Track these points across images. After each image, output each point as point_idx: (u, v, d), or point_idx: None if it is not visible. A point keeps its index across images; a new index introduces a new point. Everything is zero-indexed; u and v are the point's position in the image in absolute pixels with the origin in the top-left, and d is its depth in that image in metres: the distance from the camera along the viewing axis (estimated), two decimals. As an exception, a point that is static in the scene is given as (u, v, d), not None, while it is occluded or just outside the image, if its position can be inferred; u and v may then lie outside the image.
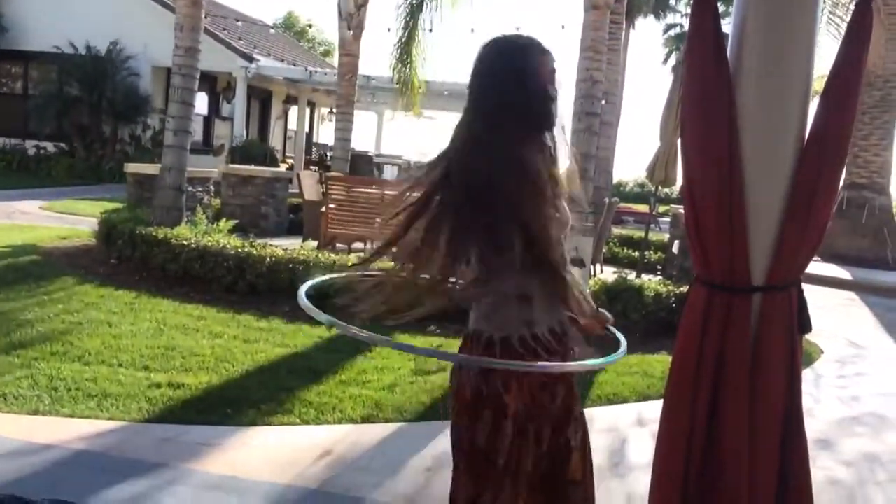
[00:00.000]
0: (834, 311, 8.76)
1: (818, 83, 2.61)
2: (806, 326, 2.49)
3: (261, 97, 22.60)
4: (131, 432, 3.66)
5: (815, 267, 12.42)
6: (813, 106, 2.50)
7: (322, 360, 4.93)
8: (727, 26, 2.56)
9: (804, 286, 2.57)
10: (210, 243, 6.96)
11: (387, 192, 9.02)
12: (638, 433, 4.08)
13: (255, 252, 6.76)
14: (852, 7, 2.52)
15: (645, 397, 4.69)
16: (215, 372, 4.53)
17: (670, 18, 33.28)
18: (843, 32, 2.53)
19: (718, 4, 2.55)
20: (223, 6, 23.45)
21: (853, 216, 13.87)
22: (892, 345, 7.32)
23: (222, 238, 7.37)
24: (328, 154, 19.69)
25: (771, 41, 2.44)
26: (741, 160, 2.41)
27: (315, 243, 8.89)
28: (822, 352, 6.36)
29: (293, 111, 24.58)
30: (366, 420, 4.01)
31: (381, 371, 4.80)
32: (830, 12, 11.16)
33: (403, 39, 12.19)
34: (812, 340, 6.34)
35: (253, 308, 6.14)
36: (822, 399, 5.18)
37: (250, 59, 19.29)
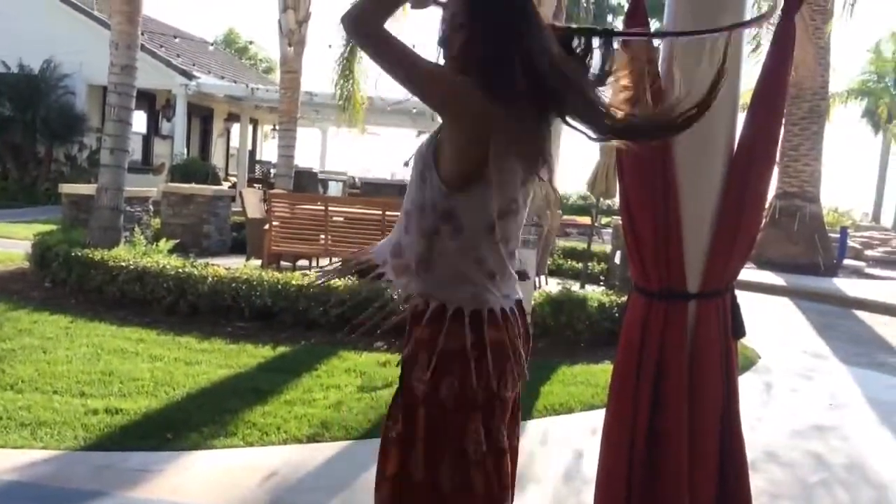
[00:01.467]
0: (769, 317, 9.02)
1: (745, 95, 2.70)
2: (740, 331, 2.57)
3: (201, 115, 22.29)
4: (67, 461, 3.54)
5: (750, 274, 12.88)
6: (741, 118, 2.59)
7: (266, 381, 4.85)
8: (655, 43, 2.64)
9: (739, 292, 2.65)
10: (149, 264, 6.81)
11: (331, 207, 8.98)
12: (584, 442, 4.12)
13: (196, 272, 6.63)
14: (776, 22, 2.62)
15: (590, 406, 4.74)
16: (155, 396, 4.42)
17: (608, 35, 33.92)
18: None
19: (649, 19, 2.62)
20: (161, 23, 23.09)
21: (785, 224, 14.33)
22: (825, 347, 7.56)
23: (162, 258, 7.22)
24: (272, 171, 19.49)
25: (697, 55, 2.51)
26: (674, 172, 2.47)
27: (259, 262, 8.78)
28: (760, 356, 6.53)
29: (235, 128, 24.29)
30: (312, 440, 3.96)
31: (328, 389, 4.75)
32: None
33: (345, 55, 12.18)
34: (749, 345, 6.51)
35: (194, 329, 6.02)
36: (760, 403, 5.31)
37: (190, 77, 19.02)
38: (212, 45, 28.17)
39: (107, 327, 5.93)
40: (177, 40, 22.28)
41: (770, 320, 8.73)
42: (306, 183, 17.26)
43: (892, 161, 37.75)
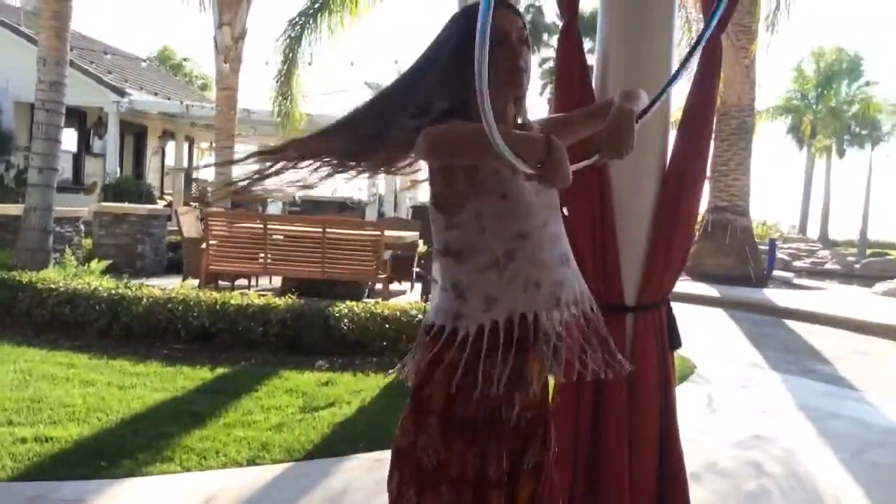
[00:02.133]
0: (704, 327, 9.25)
1: (675, 113, 2.79)
2: (675, 343, 2.63)
3: (135, 132, 21.76)
4: (-7, 493, 3.39)
5: (685, 286, 13.17)
6: (672, 135, 2.67)
7: (204, 403, 4.74)
8: (590, 57, 2.71)
9: (675, 304, 2.72)
10: (80, 286, 6.60)
11: (270, 225, 8.87)
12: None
13: (130, 293, 6.46)
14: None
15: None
16: (87, 423, 4.27)
17: (544, 52, 34.63)
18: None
19: (583, 38, 2.69)
20: (91, 39, 22.53)
21: (718, 237, 14.76)
22: (757, 356, 7.79)
23: (94, 280, 7.01)
24: (209, 190, 19.13)
25: (632, 71, 2.59)
26: (609, 188, 2.53)
27: (196, 282, 8.60)
28: (696, 367, 6.69)
29: (171, 146, 23.80)
30: (252, 462, 3.88)
31: (268, 411, 4.66)
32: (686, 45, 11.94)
33: (283, 72, 12.10)
34: (685, 356, 6.66)
35: (129, 352, 5.85)
36: (698, 413, 5.43)
37: (122, 94, 18.58)
38: (145, 61, 27.59)
39: (36, 352, 5.72)
40: (108, 56, 21.76)
41: (705, 331, 8.95)
42: (245, 201, 17.02)
43: (815, 175, 39.38)
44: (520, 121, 1.78)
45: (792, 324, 10.30)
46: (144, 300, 6.35)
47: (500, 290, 1.63)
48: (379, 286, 8.99)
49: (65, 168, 16.74)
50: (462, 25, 1.66)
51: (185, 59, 38.98)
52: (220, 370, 5.55)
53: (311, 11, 11.44)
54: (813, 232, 37.60)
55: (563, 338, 1.68)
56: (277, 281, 9.57)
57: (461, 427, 1.65)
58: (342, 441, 4.17)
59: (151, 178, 21.86)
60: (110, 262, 8.64)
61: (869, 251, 27.09)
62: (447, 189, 1.65)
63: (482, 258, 1.64)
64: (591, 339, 1.75)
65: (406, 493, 1.68)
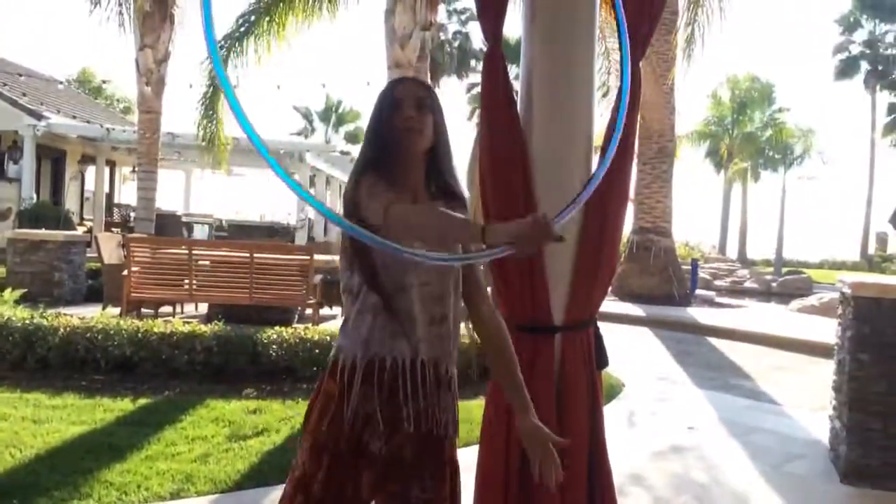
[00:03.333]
0: (631, 346, 9.45)
1: (598, 138, 2.86)
2: (603, 362, 2.67)
3: (53, 156, 21.01)
4: None
5: (612, 305, 13.42)
6: (595, 159, 2.73)
7: (125, 436, 4.56)
8: (516, 83, 2.76)
9: (601, 323, 2.77)
10: (-8, 316, 6.30)
11: (195, 251, 8.67)
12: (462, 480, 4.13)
13: (45, 323, 6.19)
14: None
15: (466, 444, 4.76)
16: (-1, 459, 4.06)
17: (472, 78, 35.15)
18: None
19: (507, 64, 2.73)
20: (5, 61, 21.75)
21: (642, 258, 15.14)
22: (682, 373, 7.99)
23: (7, 310, 6.69)
24: (132, 215, 18.62)
25: (556, 96, 2.65)
26: (536, 207, 2.57)
27: (117, 310, 8.31)
28: (624, 384, 6.81)
29: (91, 171, 23.06)
30: (175, 496, 3.74)
31: (193, 441, 4.52)
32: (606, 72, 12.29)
33: (208, 95, 11.91)
34: (613, 374, 6.78)
35: (44, 385, 5.60)
36: (626, 430, 5.52)
37: (39, 117, 17.95)
38: (62, 83, 26.75)
39: (-58, 387, 5.42)
40: (23, 78, 21.01)
41: (631, 349, 9.14)
42: (169, 226, 16.61)
43: (733, 197, 40.89)
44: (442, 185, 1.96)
45: (714, 341, 10.61)
46: (61, 330, 6.10)
47: (372, 334, 1.84)
48: (309, 311, 8.87)
49: (-24, 193, 16.05)
50: (373, 111, 1.97)
51: (105, 82, 37.92)
52: (142, 401, 5.37)
53: (237, 35, 11.32)
54: (732, 252, 38.97)
55: (418, 390, 1.85)
56: (203, 307, 9.33)
57: (323, 450, 1.83)
58: (272, 470, 4.07)
59: (70, 203, 21.11)
60: (25, 290, 8.28)
61: (785, 270, 28.21)
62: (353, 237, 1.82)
63: (366, 302, 1.85)
64: (443, 397, 1.90)
65: (289, 499, 1.88)
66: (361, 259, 1.84)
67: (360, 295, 1.85)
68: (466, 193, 2.03)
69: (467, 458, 3.97)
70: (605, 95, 11.57)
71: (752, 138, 37.65)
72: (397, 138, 1.89)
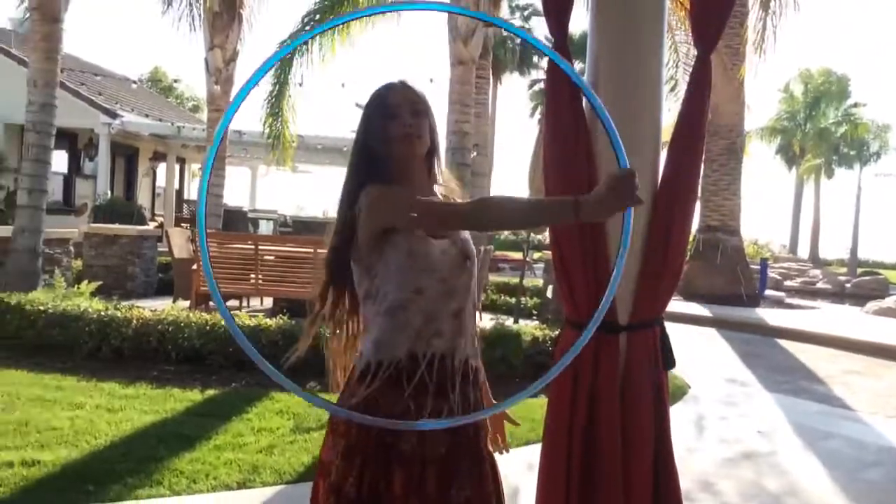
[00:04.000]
0: (697, 347, 9.25)
1: (666, 133, 2.80)
2: (669, 362, 2.62)
3: (126, 154, 21.75)
4: (-22, 519, 3.33)
5: (678, 305, 13.18)
6: (663, 155, 2.68)
7: (194, 426, 4.69)
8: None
9: (667, 324, 2.71)
10: (70, 307, 6.56)
11: (261, 246, 8.85)
12: (522, 478, 4.11)
13: (119, 315, 6.42)
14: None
15: (527, 442, 4.74)
16: (75, 446, 4.22)
17: (534, 75, 34.95)
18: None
19: (572, 59, 2.70)
20: (82, 61, 22.57)
21: (709, 257, 14.80)
22: (751, 375, 7.79)
23: (83, 301, 6.96)
24: (200, 211, 19.08)
25: (621, 92, 2.60)
26: (601, 205, 2.52)
27: (187, 303, 8.55)
28: (690, 386, 6.67)
29: (162, 168, 23.79)
30: (242, 486, 3.83)
31: (259, 433, 4.62)
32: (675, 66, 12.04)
33: (274, 93, 12.12)
34: (678, 375, 6.65)
35: (118, 374, 5.80)
36: (691, 432, 5.41)
37: (113, 115, 18.59)
38: (135, 83, 27.65)
39: (23, 374, 5.67)
40: (99, 78, 21.80)
41: (697, 350, 8.95)
42: (236, 222, 17.00)
43: (805, 195, 39.64)
44: (441, 180, 2.01)
45: (784, 343, 10.31)
46: (134, 322, 6.30)
47: (394, 335, 1.85)
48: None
49: (55, 190, 16.73)
50: (363, 117, 1.99)
51: (176, 81, 39.08)
52: (210, 392, 5.51)
53: (302, 33, 11.50)
54: (803, 252, 37.79)
55: (445, 386, 1.86)
56: (269, 302, 9.53)
57: (353, 449, 1.84)
58: (334, 463, 4.12)
59: (142, 198, 21.81)
60: (100, 283, 8.57)
61: (860, 270, 27.21)
62: (373, 240, 1.85)
63: (383, 304, 1.86)
64: (471, 392, 1.92)
65: (322, 500, 1.90)
66: (379, 266, 1.86)
67: (378, 297, 1.87)
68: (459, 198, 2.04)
69: (529, 457, 3.95)
70: (672, 90, 11.35)
71: (826, 134, 36.43)
72: (396, 147, 1.90)
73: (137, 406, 5.05)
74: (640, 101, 2.63)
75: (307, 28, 11.39)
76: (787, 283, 21.47)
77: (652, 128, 2.65)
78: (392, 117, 1.91)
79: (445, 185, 2.03)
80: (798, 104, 37.91)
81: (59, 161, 17.82)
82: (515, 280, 11.48)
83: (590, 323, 1.87)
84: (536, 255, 16.54)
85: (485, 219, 1.82)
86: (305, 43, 11.42)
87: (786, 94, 38.43)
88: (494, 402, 2.08)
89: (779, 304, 15.55)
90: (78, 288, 7.87)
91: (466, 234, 1.97)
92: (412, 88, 1.99)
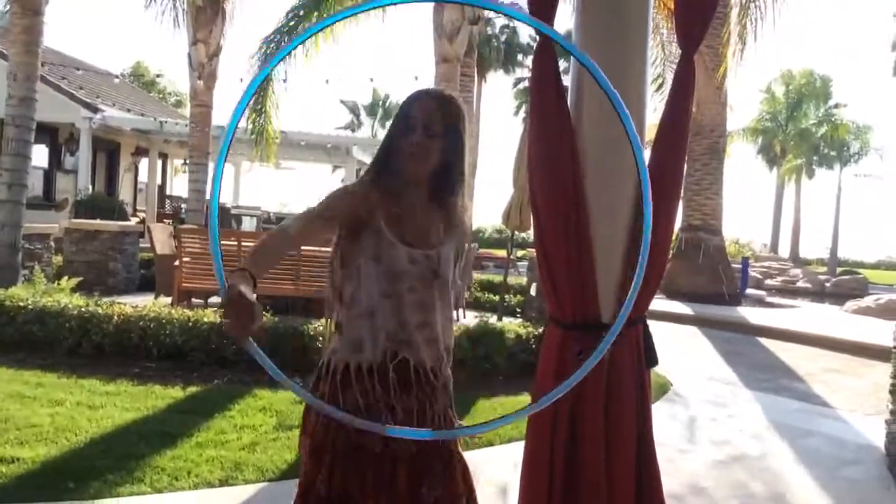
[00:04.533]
0: (679, 345, 9.31)
1: (650, 132, 2.81)
2: (652, 360, 2.63)
3: (108, 149, 21.55)
4: (-44, 517, 3.29)
5: (660, 304, 13.27)
6: (647, 154, 2.69)
7: (176, 423, 4.66)
8: (566, 78, 2.72)
9: (650, 322, 2.73)
10: (50, 304, 6.49)
11: (244, 242, 8.80)
12: (506, 476, 4.12)
13: (100, 311, 6.35)
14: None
15: (510, 439, 4.75)
16: (55, 443, 4.18)
17: (519, 73, 35.00)
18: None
19: (558, 58, 2.70)
20: (63, 55, 22.31)
21: (691, 256, 14.90)
22: (732, 374, 7.85)
23: (64, 297, 6.89)
24: (183, 207, 18.99)
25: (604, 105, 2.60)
26: (585, 206, 2.54)
27: (169, 299, 8.49)
28: (672, 384, 6.72)
29: (144, 163, 23.59)
30: (224, 483, 3.81)
31: (241, 430, 4.60)
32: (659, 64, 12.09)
33: (258, 89, 12.05)
34: (661, 373, 6.69)
35: (99, 371, 5.75)
36: (673, 429, 5.44)
37: (95, 110, 18.40)
38: (118, 77, 27.40)
39: (3, 371, 5.60)
40: (80, 72, 21.56)
41: (680, 348, 9.01)
42: (219, 218, 16.89)
43: (786, 195, 39.99)
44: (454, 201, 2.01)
45: (765, 341, 10.40)
46: (115, 318, 6.25)
47: (364, 338, 1.88)
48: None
49: (35, 185, 16.52)
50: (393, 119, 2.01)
51: (158, 76, 38.73)
52: (192, 389, 5.47)
53: (285, 29, 11.44)
54: (784, 251, 38.14)
55: (411, 390, 1.89)
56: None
57: (323, 450, 1.86)
58: (317, 461, 4.11)
59: (124, 194, 21.62)
60: (81, 279, 8.50)
61: (839, 270, 27.49)
62: (346, 245, 1.92)
63: (357, 308, 1.89)
64: (438, 398, 1.95)
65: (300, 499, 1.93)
66: (352, 268, 1.91)
67: (351, 301, 1.90)
68: (468, 215, 2.10)
69: (513, 455, 3.96)
70: (659, 89, 11.40)
71: (807, 135, 36.75)
72: (401, 161, 1.93)
73: (118, 403, 5.00)
74: (625, 99, 2.64)
75: (291, 23, 11.34)
76: (768, 281, 21.68)
77: (636, 126, 2.66)
78: (406, 130, 1.92)
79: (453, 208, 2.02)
80: (779, 105, 38.22)
81: (40, 156, 17.61)
82: (499, 278, 11.50)
83: (614, 325, 1.90)
84: (520, 252, 16.60)
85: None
86: (289, 38, 11.37)
87: (767, 94, 38.73)
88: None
89: (760, 302, 15.69)
90: (58, 284, 7.80)
91: (447, 252, 1.98)
92: (444, 102, 1.96)
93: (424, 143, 1.90)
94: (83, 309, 6.37)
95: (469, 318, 8.29)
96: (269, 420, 4.81)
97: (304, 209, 1.92)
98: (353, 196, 1.91)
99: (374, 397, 1.85)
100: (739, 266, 17.13)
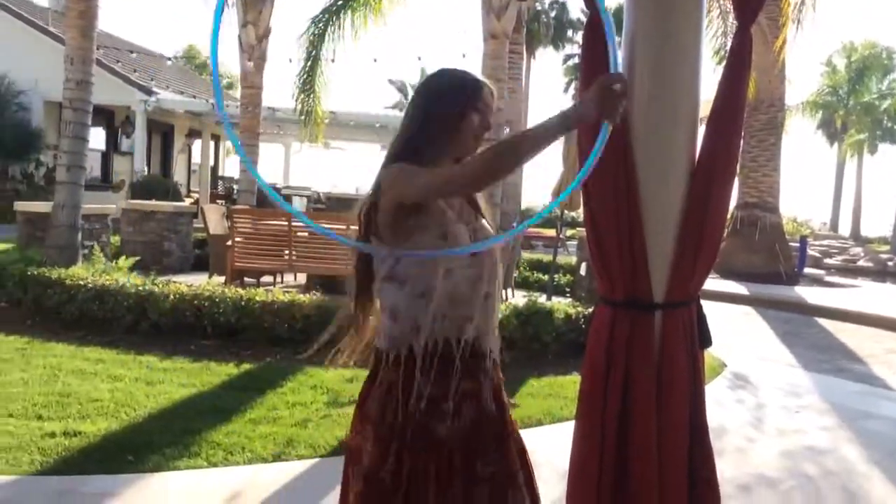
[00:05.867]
0: (733, 325, 9.13)
1: (704, 108, 2.73)
2: (706, 341, 2.57)
3: (162, 131, 22.00)
4: (24, 486, 3.42)
5: (715, 283, 13.05)
6: (701, 130, 2.61)
7: (230, 399, 4.76)
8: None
9: (704, 302, 2.66)
10: (108, 282, 6.67)
11: (295, 222, 8.90)
12: (555, 456, 4.11)
13: (157, 290, 6.51)
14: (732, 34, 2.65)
15: (559, 419, 4.74)
16: (115, 417, 4.31)
17: (569, 49, 34.49)
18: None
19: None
20: (116, 38, 22.79)
21: (747, 234, 14.56)
22: (788, 354, 7.67)
23: (122, 276, 7.07)
24: (234, 187, 19.30)
25: (659, 67, 2.53)
26: (637, 183, 2.48)
27: (222, 278, 8.66)
28: (725, 365, 6.60)
29: (197, 145, 24.02)
30: (277, 458, 3.89)
31: (293, 407, 4.68)
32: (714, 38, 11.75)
33: (306, 70, 12.12)
34: (714, 354, 6.57)
35: (156, 348, 5.90)
36: (727, 412, 5.35)
37: (149, 92, 18.78)
38: (170, 59, 27.87)
39: (64, 347, 5.79)
40: (134, 55, 22.00)
41: (734, 329, 8.83)
42: (270, 199, 17.11)
43: (847, 171, 38.73)
44: None
45: (824, 322, 10.13)
46: (171, 297, 6.40)
47: (426, 319, 1.83)
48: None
49: (93, 166, 16.99)
50: (421, 99, 1.96)
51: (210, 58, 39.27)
52: (245, 366, 5.58)
53: (333, 9, 11.45)
54: (844, 229, 37.00)
55: (477, 368, 1.90)
56: (302, 278, 9.60)
57: (390, 440, 1.83)
58: (367, 438, 4.16)
59: (178, 175, 22.06)
60: (138, 258, 8.71)
61: (902, 248, 26.58)
62: (396, 223, 1.83)
63: (416, 287, 1.84)
64: (493, 374, 1.95)
65: (351, 487, 1.91)
66: (405, 245, 1.84)
67: (408, 281, 1.85)
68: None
69: (562, 435, 3.94)
70: (721, 62, 11.09)
71: (870, 109, 35.46)
72: (465, 141, 1.91)
73: (175, 379, 5.13)
74: (677, 72, 2.57)
75: (339, 3, 11.34)
76: (827, 260, 21.07)
77: (690, 102, 2.58)
78: (482, 113, 1.92)
79: None
80: (841, 78, 36.91)
81: (97, 138, 18.07)
82: (548, 257, 11.42)
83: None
84: (570, 231, 16.44)
85: (498, 162, 1.74)
86: (337, 17, 11.39)
87: (828, 67, 37.44)
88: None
89: (818, 282, 15.27)
90: (116, 263, 8.00)
91: (489, 227, 1.98)
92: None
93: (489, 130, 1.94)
94: (140, 288, 6.54)
95: (518, 298, 8.26)
96: (321, 397, 4.88)
97: (416, 176, 1.79)
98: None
99: (436, 379, 1.83)
100: (797, 245, 16.67)
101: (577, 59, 32.44)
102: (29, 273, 7.01)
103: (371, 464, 1.84)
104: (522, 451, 1.99)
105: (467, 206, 1.97)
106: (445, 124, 1.89)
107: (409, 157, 1.85)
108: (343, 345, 2.09)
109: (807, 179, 68.39)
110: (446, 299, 1.84)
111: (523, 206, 21.73)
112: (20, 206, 10.13)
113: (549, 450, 4.20)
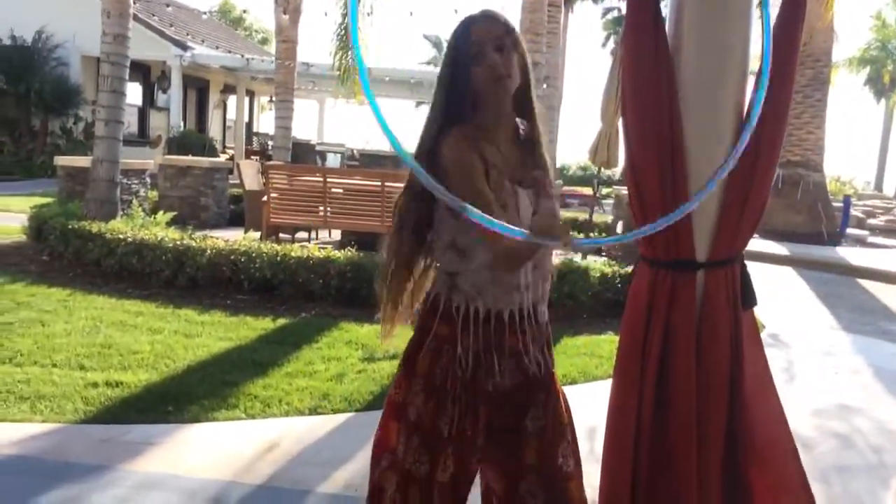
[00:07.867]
0: (773, 286, 8.98)
1: (754, 62, 2.62)
2: (750, 301, 2.52)
3: (197, 86, 22.06)
4: (68, 434, 3.52)
5: (754, 243, 12.77)
6: (750, 84, 2.52)
7: (267, 353, 4.82)
8: (664, 7, 2.56)
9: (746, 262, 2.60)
10: (147, 237, 6.76)
11: (330, 179, 8.90)
12: (590, 415, 4.10)
13: (194, 244, 6.58)
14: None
15: (594, 378, 4.72)
16: (155, 369, 4.40)
17: (608, 2, 33.60)
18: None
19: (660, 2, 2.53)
20: (153, -8, 22.73)
21: (789, 193, 14.24)
22: (829, 316, 7.54)
23: (160, 231, 7.16)
24: (269, 143, 19.35)
25: (707, 20, 2.44)
26: (682, 139, 2.41)
27: (257, 234, 8.72)
28: (765, 326, 6.50)
29: (232, 100, 24.06)
30: (313, 411, 3.94)
31: (329, 361, 4.72)
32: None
33: (344, 25, 12.01)
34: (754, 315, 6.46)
35: (194, 302, 5.99)
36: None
37: (184, 47, 18.79)
38: (206, 14, 27.81)
39: (105, 300, 5.90)
40: (169, 9, 21.97)
41: (774, 289, 8.69)
42: (304, 155, 17.14)
43: (894, 129, 37.56)
44: (522, 131, 1.93)
45: (866, 283, 9.93)
46: (208, 251, 6.46)
47: (487, 288, 1.83)
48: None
49: (130, 122, 17.13)
50: (448, 55, 1.89)
51: (244, 12, 39.14)
52: (281, 321, 5.64)
53: (370, -39, 11.28)
54: (889, 189, 36.04)
55: (527, 332, 1.89)
56: (337, 234, 9.64)
57: (441, 391, 1.83)
58: (401, 393, 4.19)
59: (214, 131, 22.17)
60: (175, 213, 8.81)
61: (949, 209, 25.82)
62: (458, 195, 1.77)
63: (478, 259, 1.82)
64: (543, 336, 1.96)
65: (395, 441, 1.91)
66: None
67: (469, 253, 1.83)
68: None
69: (597, 394, 3.92)
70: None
71: (920, 63, 34.20)
72: (485, 89, 1.81)
73: (213, 332, 5.21)
74: (728, 26, 2.47)
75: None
76: (871, 221, 20.54)
77: (739, 56, 2.48)
78: (477, 57, 1.80)
79: (539, 118, 1.95)
80: (890, 32, 35.55)
81: (134, 93, 18.20)
82: (584, 215, 11.30)
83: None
84: (606, 190, 16.24)
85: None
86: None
87: (878, 21, 36.06)
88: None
89: (861, 242, 14.94)
90: (154, 218, 8.10)
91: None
92: (496, 19, 1.86)
93: (503, 60, 1.80)
94: (178, 242, 6.61)
95: (553, 256, 8.19)
96: (355, 353, 4.92)
97: (462, 180, 1.73)
98: (472, 148, 1.78)
99: (488, 340, 1.84)
100: (840, 204, 16.27)
101: (616, 13, 31.66)
102: (70, 227, 7.13)
103: (418, 417, 1.86)
104: (569, 409, 2.02)
105: (525, 167, 1.88)
106: (455, 86, 1.82)
107: (452, 119, 1.81)
108: (384, 315, 2.10)
109: (851, 137, 66.42)
110: (502, 273, 1.83)
111: (558, 162, 21.47)
112: (60, 160, 10.29)
113: (582, 408, 4.20)
